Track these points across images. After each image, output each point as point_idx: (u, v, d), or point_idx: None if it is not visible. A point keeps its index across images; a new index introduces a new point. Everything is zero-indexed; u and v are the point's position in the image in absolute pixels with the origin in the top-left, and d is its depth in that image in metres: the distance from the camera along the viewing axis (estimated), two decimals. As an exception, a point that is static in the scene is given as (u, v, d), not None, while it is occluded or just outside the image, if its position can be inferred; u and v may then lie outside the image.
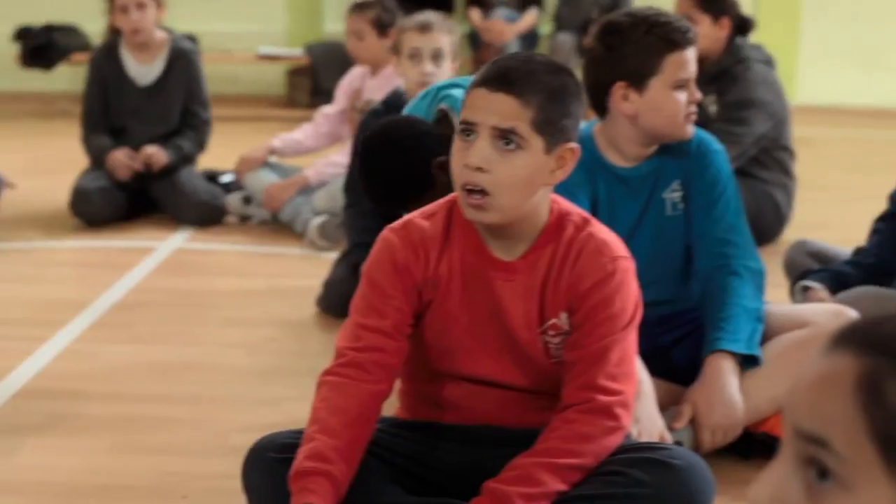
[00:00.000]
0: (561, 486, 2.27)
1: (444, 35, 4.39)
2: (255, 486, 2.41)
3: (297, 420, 3.23)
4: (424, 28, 4.38)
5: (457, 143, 2.31)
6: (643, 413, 2.80)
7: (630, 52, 2.94)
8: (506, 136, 2.25)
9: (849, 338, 1.05)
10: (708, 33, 4.98)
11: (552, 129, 2.27)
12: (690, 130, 3.04)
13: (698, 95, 3.02)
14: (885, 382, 1.01)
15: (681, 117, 3.00)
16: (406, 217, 2.44)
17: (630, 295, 2.37)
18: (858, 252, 3.70)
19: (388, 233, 2.41)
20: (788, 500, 1.05)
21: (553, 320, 2.38)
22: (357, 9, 5.48)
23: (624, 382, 2.34)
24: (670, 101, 2.97)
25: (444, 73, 4.34)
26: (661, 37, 2.94)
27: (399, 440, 2.49)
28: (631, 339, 2.38)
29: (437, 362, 2.45)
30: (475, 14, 8.97)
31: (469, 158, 2.26)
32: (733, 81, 4.96)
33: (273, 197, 5.41)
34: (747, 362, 2.97)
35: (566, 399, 2.34)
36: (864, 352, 1.03)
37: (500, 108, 2.25)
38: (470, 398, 2.46)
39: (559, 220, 2.38)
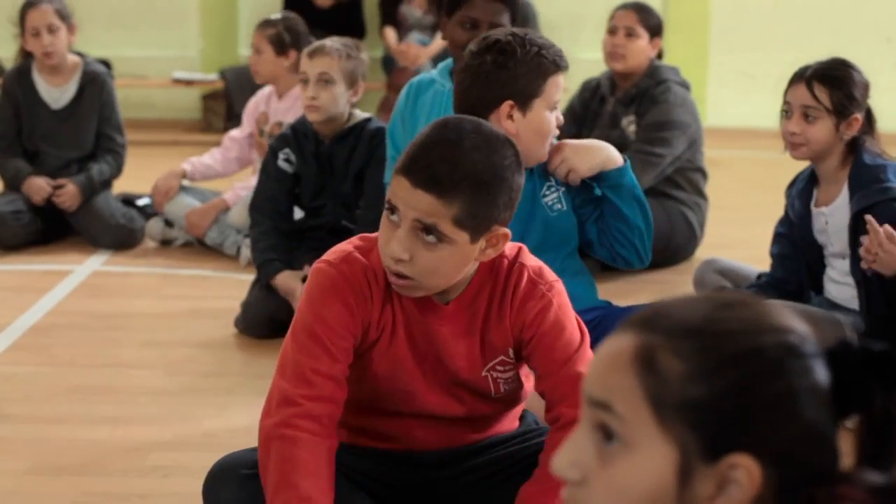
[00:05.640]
0: None
1: (334, 60, 4.33)
2: (224, 501, 2.38)
3: (216, 438, 3.27)
4: (313, 53, 4.37)
5: (384, 218, 2.22)
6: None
7: (522, 71, 2.95)
8: (427, 230, 2.16)
9: (632, 320, 1.23)
10: (643, 50, 5.10)
11: (476, 222, 2.17)
12: (547, 153, 3.09)
13: (562, 120, 3.08)
14: (657, 354, 1.19)
15: (550, 139, 3.05)
16: (342, 250, 2.34)
17: (571, 313, 2.37)
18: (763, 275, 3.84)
19: (330, 269, 2.31)
20: (583, 464, 1.20)
21: (501, 356, 2.37)
22: (260, 26, 5.53)
23: None
24: (546, 122, 3.01)
25: (337, 98, 4.33)
26: (549, 59, 2.99)
27: (352, 459, 2.46)
28: (591, 354, 2.33)
29: (381, 401, 2.41)
30: (390, 33, 8.97)
31: (391, 249, 2.18)
32: (653, 103, 5.05)
33: (194, 224, 5.39)
34: None
35: (552, 421, 2.34)
36: (642, 330, 1.21)
37: (422, 206, 2.14)
38: (409, 430, 2.45)
39: (493, 259, 2.32)
